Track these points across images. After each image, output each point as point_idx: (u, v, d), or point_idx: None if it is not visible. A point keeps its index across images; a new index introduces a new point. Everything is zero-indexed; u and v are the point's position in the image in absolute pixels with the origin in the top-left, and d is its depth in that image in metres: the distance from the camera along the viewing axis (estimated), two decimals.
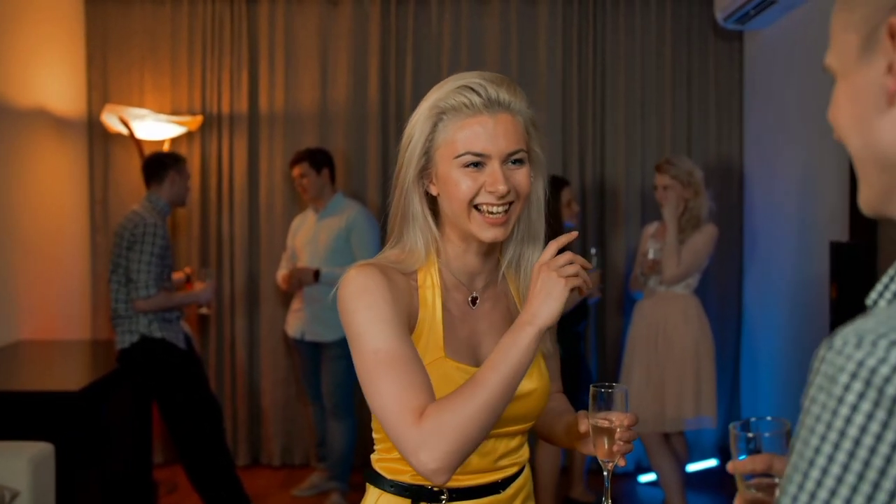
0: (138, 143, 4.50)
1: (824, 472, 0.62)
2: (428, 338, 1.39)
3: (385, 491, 1.44)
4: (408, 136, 1.41)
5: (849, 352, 0.63)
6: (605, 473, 1.43)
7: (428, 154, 1.39)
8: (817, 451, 0.63)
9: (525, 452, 1.50)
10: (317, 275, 4.15)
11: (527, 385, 1.41)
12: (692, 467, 4.58)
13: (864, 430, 0.60)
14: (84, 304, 4.79)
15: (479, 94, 1.35)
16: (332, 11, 4.83)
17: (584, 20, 4.81)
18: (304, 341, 4.31)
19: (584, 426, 1.44)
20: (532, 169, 1.41)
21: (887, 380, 0.60)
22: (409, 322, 1.37)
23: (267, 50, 4.83)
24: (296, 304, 4.36)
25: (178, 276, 4.16)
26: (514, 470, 1.47)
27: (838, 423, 0.62)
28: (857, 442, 0.61)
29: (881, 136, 0.73)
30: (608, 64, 4.83)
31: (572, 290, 1.28)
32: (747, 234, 4.81)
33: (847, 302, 3.27)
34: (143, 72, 4.81)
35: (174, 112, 4.76)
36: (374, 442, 1.48)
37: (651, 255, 3.89)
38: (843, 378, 0.62)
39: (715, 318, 4.47)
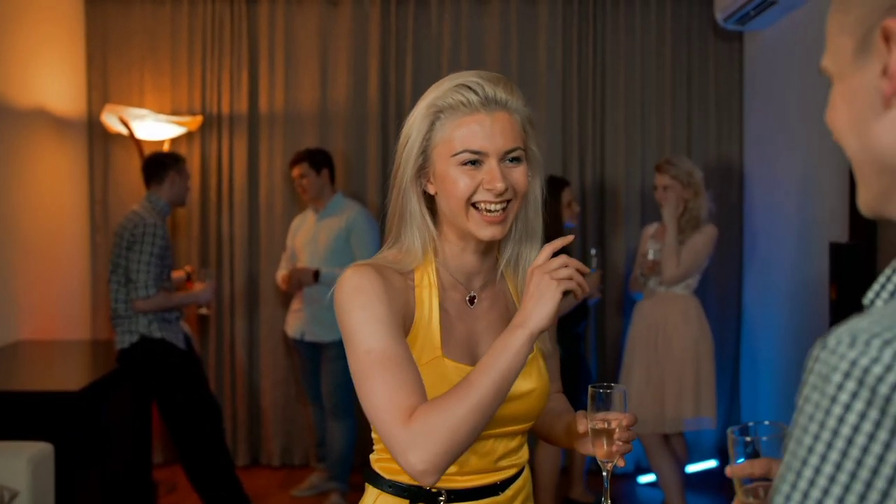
0: (138, 143, 4.50)
1: (817, 470, 0.62)
2: (425, 337, 1.39)
3: (383, 491, 1.44)
4: (405, 135, 1.41)
5: (842, 351, 0.63)
6: (604, 474, 1.43)
7: (425, 153, 1.40)
8: (810, 450, 0.63)
9: (525, 453, 1.50)
10: (316, 275, 4.15)
11: (525, 385, 1.41)
12: (692, 468, 4.58)
13: (856, 429, 0.61)
14: (84, 304, 4.79)
15: (476, 93, 1.35)
16: (332, 11, 4.83)
17: (584, 20, 4.81)
18: (303, 342, 4.31)
19: (582, 426, 1.43)
20: (529, 168, 1.41)
21: (880, 379, 0.60)
22: (405, 322, 1.37)
23: (267, 50, 4.83)
24: (295, 305, 4.36)
25: (178, 274, 4.16)
26: (513, 471, 1.47)
27: (831, 423, 0.62)
28: (849, 441, 0.61)
29: (878, 138, 0.73)
30: (608, 64, 4.83)
31: (567, 293, 1.28)
32: (747, 234, 4.81)
33: (847, 302, 3.27)
34: (143, 72, 4.81)
35: (174, 112, 4.77)
36: (373, 442, 1.48)
37: (651, 256, 3.89)
38: (837, 377, 0.62)
39: (715, 319, 4.46)
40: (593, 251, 3.85)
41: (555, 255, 1.31)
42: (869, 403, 0.60)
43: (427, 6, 4.83)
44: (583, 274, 1.29)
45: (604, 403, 1.40)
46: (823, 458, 0.62)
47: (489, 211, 1.36)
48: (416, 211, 1.42)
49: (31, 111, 4.20)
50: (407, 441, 1.22)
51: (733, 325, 4.86)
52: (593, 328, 4.80)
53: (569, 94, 4.82)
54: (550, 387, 1.51)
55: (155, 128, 4.50)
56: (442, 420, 1.22)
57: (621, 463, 1.41)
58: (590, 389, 1.41)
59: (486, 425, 1.26)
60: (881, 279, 0.73)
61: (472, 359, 1.42)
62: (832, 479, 0.61)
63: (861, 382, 0.61)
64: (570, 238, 1.33)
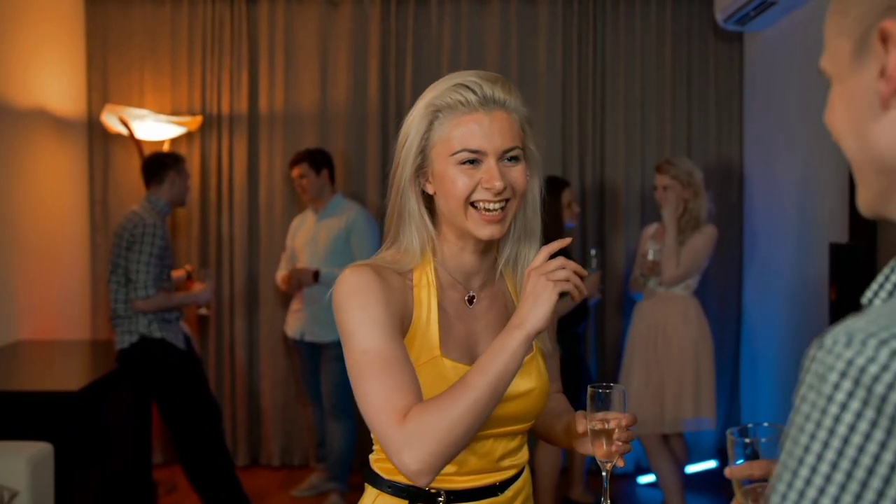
0: (138, 144, 4.50)
1: (813, 470, 0.62)
2: (423, 337, 1.39)
3: (382, 491, 1.44)
4: (403, 135, 1.41)
5: (838, 351, 0.63)
6: (603, 474, 1.43)
7: (424, 152, 1.40)
8: (807, 449, 0.63)
9: (525, 454, 1.50)
10: (316, 275, 4.15)
11: (525, 384, 1.41)
12: (691, 469, 4.58)
13: (852, 428, 0.61)
14: (84, 304, 4.79)
15: (474, 92, 1.36)
16: (332, 12, 4.83)
17: (584, 21, 4.81)
18: (303, 342, 4.31)
19: (581, 426, 1.43)
20: (528, 167, 1.41)
21: (876, 378, 0.60)
22: (403, 322, 1.38)
23: (267, 50, 4.83)
24: (295, 305, 4.36)
25: (179, 273, 4.16)
26: (513, 472, 1.46)
27: (827, 422, 0.62)
28: (845, 440, 0.61)
29: (877, 139, 0.73)
30: (608, 64, 4.83)
31: (564, 295, 1.29)
32: (747, 235, 4.81)
33: (846, 303, 3.27)
34: (143, 72, 4.81)
35: (174, 112, 4.77)
36: (373, 442, 1.48)
37: (650, 257, 3.89)
38: (833, 377, 0.63)
39: (714, 319, 4.46)
40: (593, 251, 3.86)
41: (553, 256, 1.31)
42: (865, 403, 0.60)
43: (427, 6, 4.83)
44: (581, 276, 1.29)
45: (603, 403, 1.40)
46: (819, 457, 0.62)
47: (488, 210, 1.37)
48: (414, 211, 1.42)
49: (31, 111, 4.20)
50: (401, 441, 1.22)
51: (733, 326, 4.86)
52: (593, 329, 4.80)
53: (569, 95, 4.82)
54: (550, 387, 1.51)
55: (155, 128, 4.50)
56: (436, 420, 1.22)
57: (621, 463, 1.41)
58: (589, 389, 1.41)
59: (481, 426, 1.26)
60: (879, 278, 0.73)
61: (471, 359, 1.42)
62: (828, 478, 0.61)
63: (857, 382, 0.61)
64: (567, 241, 1.33)
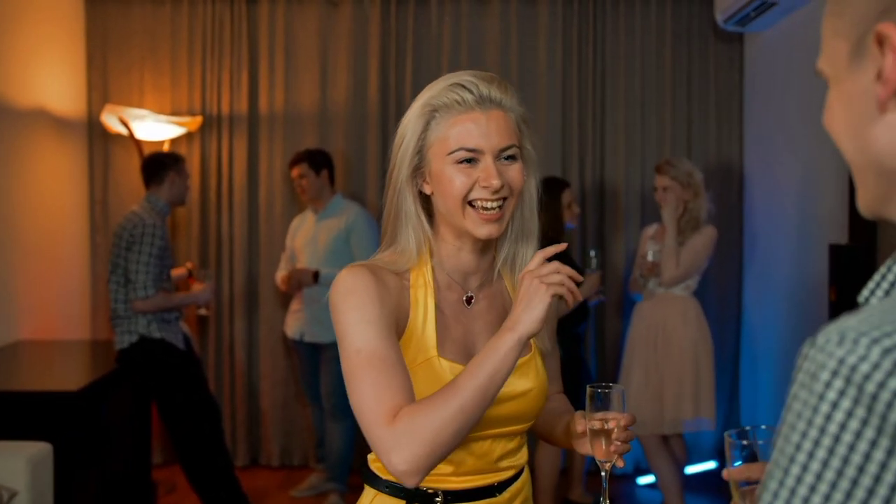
0: (138, 144, 4.50)
1: (804, 468, 0.62)
2: (420, 337, 1.39)
3: (380, 491, 1.44)
4: (400, 135, 1.42)
5: (830, 349, 0.63)
6: (602, 474, 1.43)
7: (421, 152, 1.40)
8: (798, 447, 0.63)
9: (524, 455, 1.50)
10: (316, 276, 4.15)
11: (523, 384, 1.41)
12: (691, 469, 4.58)
13: (844, 427, 0.61)
14: (84, 304, 4.79)
15: (470, 92, 1.36)
16: (332, 12, 4.83)
17: (584, 21, 4.81)
18: (303, 342, 4.31)
19: (581, 426, 1.43)
20: (524, 166, 1.41)
21: (867, 377, 0.61)
22: (399, 322, 1.38)
23: (267, 50, 4.83)
24: (295, 305, 4.36)
25: (179, 271, 4.16)
26: (512, 472, 1.46)
27: (819, 421, 0.62)
28: (836, 439, 0.61)
29: (875, 142, 0.73)
30: (608, 64, 4.83)
31: (559, 298, 1.29)
32: (747, 235, 4.81)
33: (846, 304, 3.27)
34: (143, 72, 4.81)
35: (174, 112, 4.77)
36: None
37: (650, 257, 3.89)
38: (825, 375, 0.63)
39: (714, 320, 4.46)
40: (593, 252, 3.86)
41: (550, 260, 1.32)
42: (856, 402, 0.61)
43: (427, 7, 4.83)
44: (577, 283, 1.29)
45: (602, 403, 1.40)
46: (811, 455, 0.62)
47: (485, 209, 1.37)
48: (411, 211, 1.42)
49: (31, 111, 4.20)
50: (390, 441, 1.22)
51: (733, 326, 4.86)
52: (593, 329, 4.80)
53: (569, 95, 4.82)
54: (550, 387, 1.51)
55: (155, 128, 4.50)
56: (426, 421, 1.22)
57: (620, 463, 1.41)
58: (588, 389, 1.41)
59: (471, 428, 1.26)
60: (876, 277, 0.73)
61: (469, 359, 1.41)
62: (819, 477, 0.61)
63: (849, 381, 0.61)
64: (562, 246, 1.33)
